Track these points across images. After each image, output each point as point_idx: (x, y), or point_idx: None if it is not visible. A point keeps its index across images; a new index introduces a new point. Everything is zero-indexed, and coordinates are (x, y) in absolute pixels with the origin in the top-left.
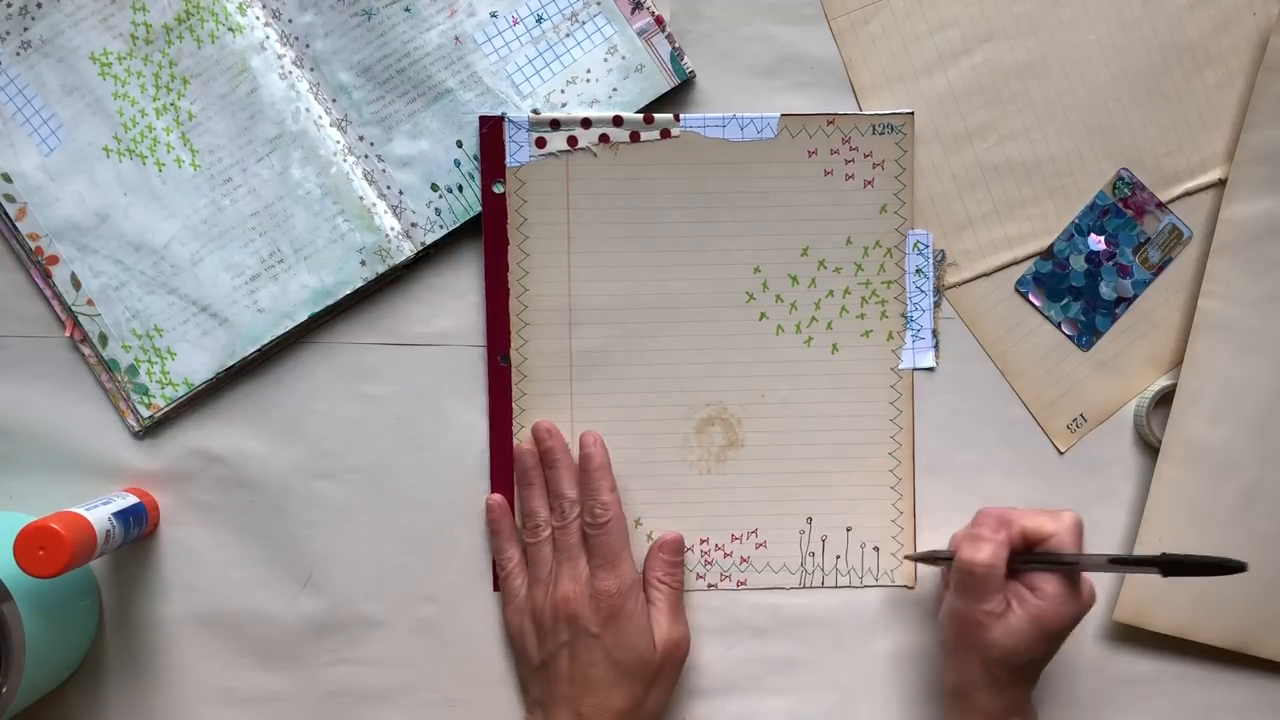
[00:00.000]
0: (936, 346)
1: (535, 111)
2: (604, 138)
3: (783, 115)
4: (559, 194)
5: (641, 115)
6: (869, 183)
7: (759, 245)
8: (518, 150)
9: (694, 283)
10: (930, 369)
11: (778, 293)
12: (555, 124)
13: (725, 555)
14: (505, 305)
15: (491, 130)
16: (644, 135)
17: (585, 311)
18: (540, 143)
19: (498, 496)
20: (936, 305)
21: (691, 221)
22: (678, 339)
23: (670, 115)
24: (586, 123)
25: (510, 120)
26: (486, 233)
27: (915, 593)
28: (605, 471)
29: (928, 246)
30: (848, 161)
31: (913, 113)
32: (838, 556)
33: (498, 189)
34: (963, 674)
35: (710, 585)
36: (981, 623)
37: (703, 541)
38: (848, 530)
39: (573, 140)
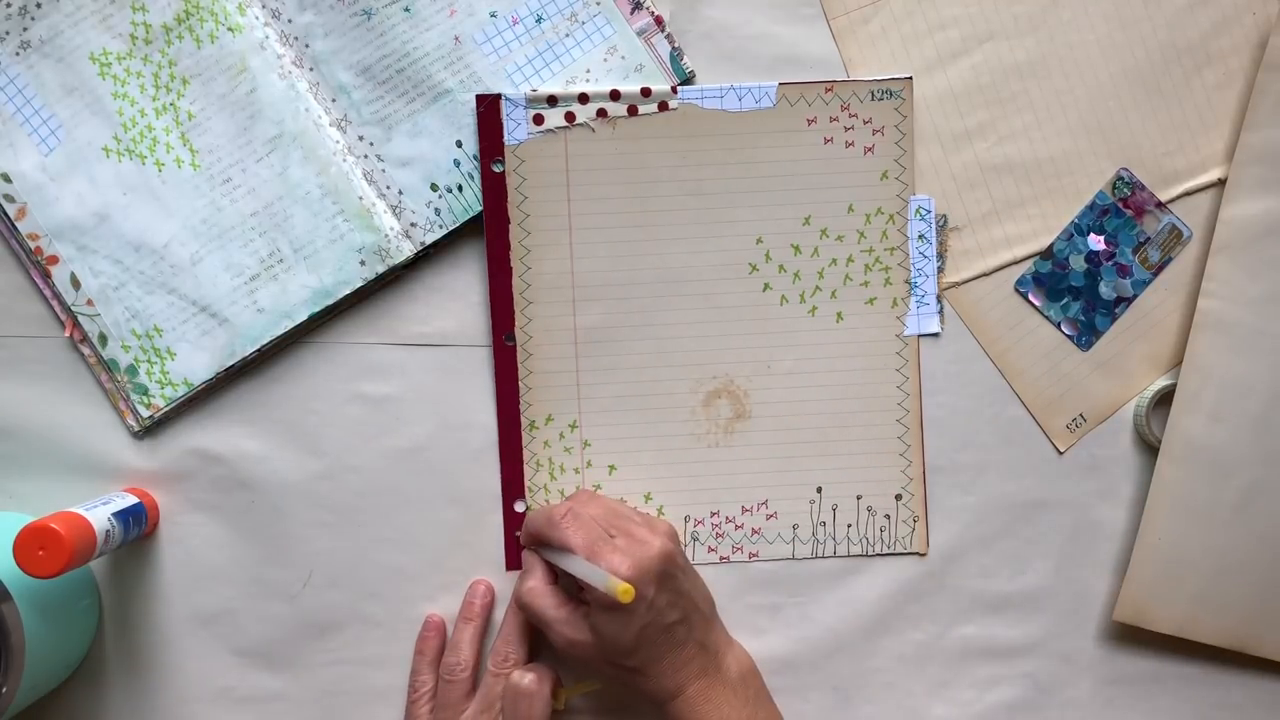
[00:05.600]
0: (941, 311)
1: (533, 89)
2: (601, 112)
3: (781, 84)
4: (558, 171)
5: (639, 88)
6: (869, 149)
7: (760, 215)
8: (515, 128)
9: (696, 255)
10: (936, 334)
11: (780, 263)
12: (552, 100)
13: (736, 528)
14: (508, 284)
15: (489, 109)
16: (642, 109)
17: (588, 288)
18: (538, 120)
19: (438, 618)
20: (940, 270)
21: (692, 194)
22: (682, 312)
23: (668, 87)
24: (584, 98)
25: (507, 98)
26: (487, 212)
27: (915, 586)
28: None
29: (930, 212)
30: (847, 129)
31: (911, 77)
32: (849, 525)
33: (496, 168)
34: (615, 681)
35: (722, 558)
36: (570, 638)
37: (713, 515)
38: (858, 498)
39: (570, 116)
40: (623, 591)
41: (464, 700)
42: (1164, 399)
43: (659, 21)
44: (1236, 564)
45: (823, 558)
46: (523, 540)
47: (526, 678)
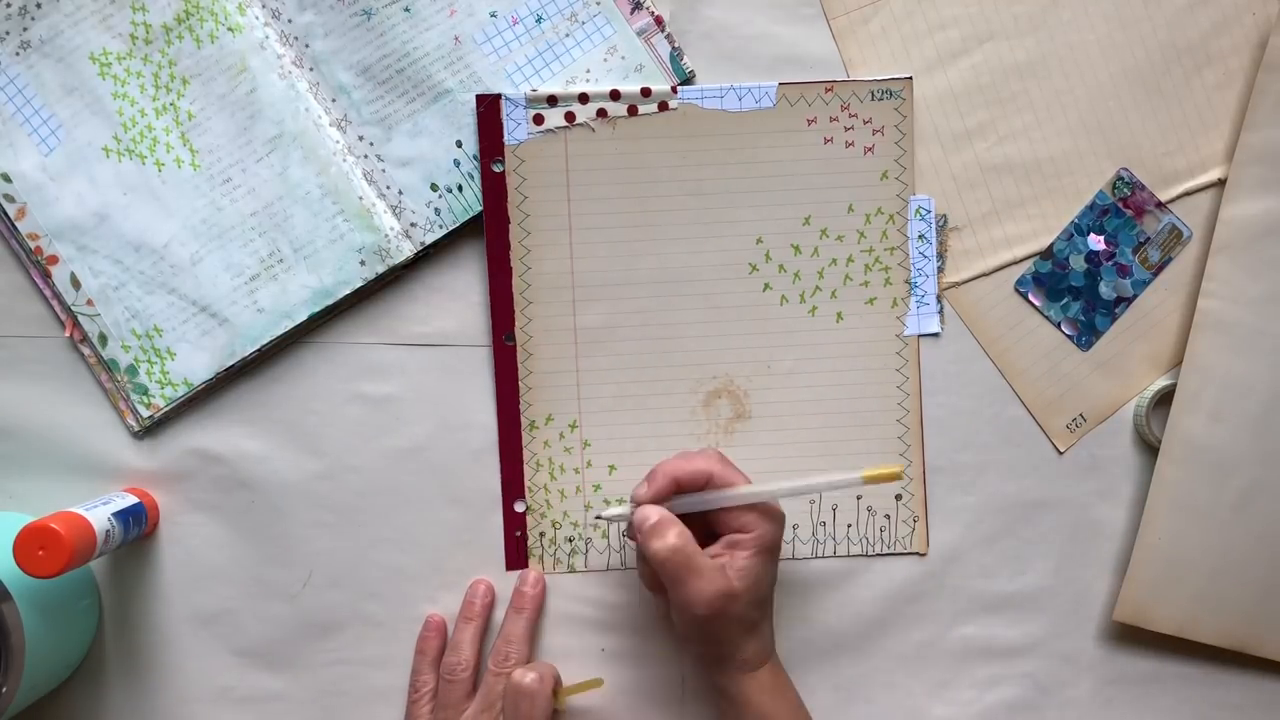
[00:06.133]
0: (941, 311)
1: (533, 89)
2: (601, 112)
3: (781, 84)
4: (558, 171)
5: (639, 88)
6: (869, 149)
7: (760, 215)
8: (515, 128)
9: (696, 255)
10: (936, 334)
11: (780, 263)
12: (552, 100)
13: None
14: (508, 284)
15: (489, 109)
16: (642, 109)
17: (588, 288)
18: (538, 119)
19: (439, 618)
20: (940, 270)
21: (692, 194)
22: (682, 312)
23: (668, 87)
24: (584, 98)
25: (507, 98)
26: (487, 212)
27: (915, 586)
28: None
29: (930, 212)
30: (847, 129)
31: (911, 77)
32: (849, 525)
33: (497, 168)
34: (721, 646)
35: None
36: (725, 589)
37: None
38: (858, 498)
39: (570, 116)
40: (895, 471)
41: (465, 700)
42: (1164, 399)
43: (659, 21)
44: (1236, 564)
45: (823, 558)
46: (645, 496)
47: (528, 676)
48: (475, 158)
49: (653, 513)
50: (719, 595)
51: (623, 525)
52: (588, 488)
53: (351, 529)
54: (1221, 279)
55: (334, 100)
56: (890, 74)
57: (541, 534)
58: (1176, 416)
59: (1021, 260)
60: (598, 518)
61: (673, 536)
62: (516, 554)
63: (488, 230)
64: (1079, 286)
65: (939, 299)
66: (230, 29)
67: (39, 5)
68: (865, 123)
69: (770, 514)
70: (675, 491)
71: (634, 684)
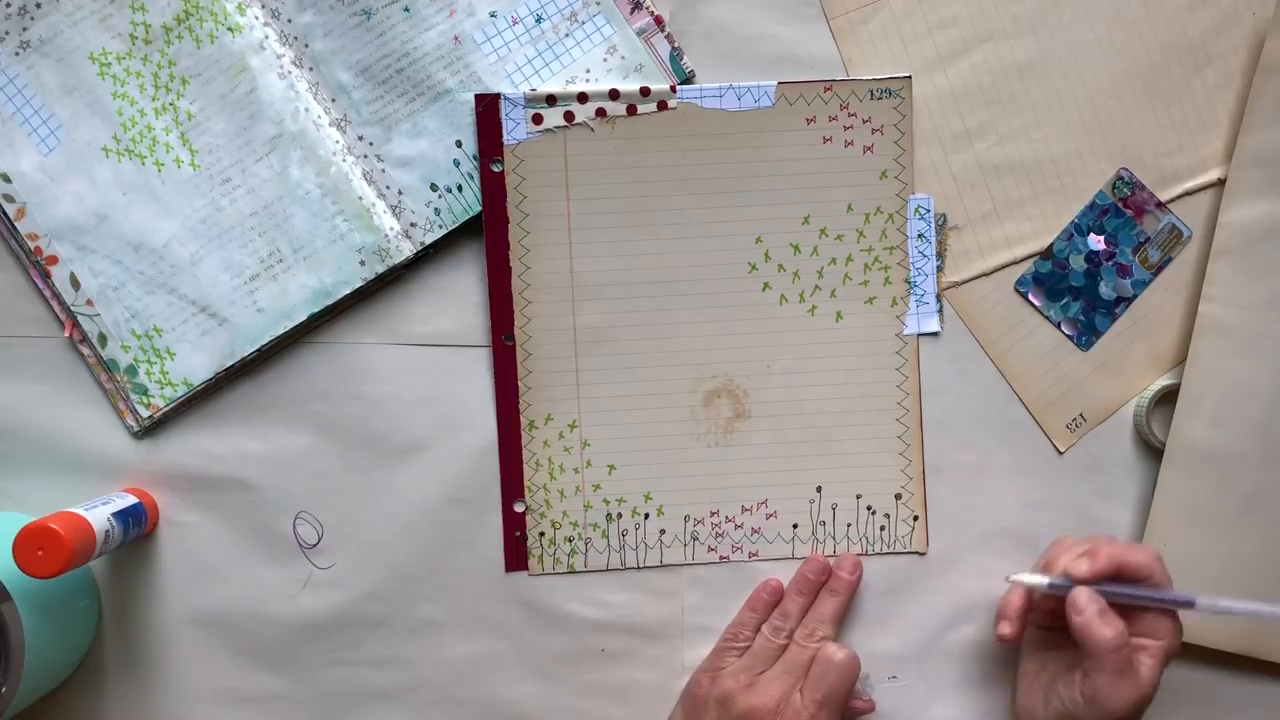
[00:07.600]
0: (940, 311)
1: (532, 89)
2: (600, 112)
3: (780, 83)
4: (558, 170)
5: (638, 87)
6: (868, 148)
7: (760, 215)
8: (514, 128)
9: (696, 255)
10: (935, 333)
11: (780, 262)
12: (551, 100)
13: (736, 527)
14: (507, 284)
15: (488, 108)
16: (641, 108)
17: (588, 288)
18: (537, 119)
19: (777, 581)
20: (940, 270)
21: (691, 193)
22: (681, 312)
23: (667, 86)
24: (583, 97)
25: (506, 98)
26: (486, 212)
27: (915, 586)
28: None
29: (929, 211)
30: (846, 128)
31: (910, 76)
32: (848, 524)
33: (496, 167)
34: None
35: (722, 557)
36: (1143, 697)
37: (713, 514)
38: (858, 498)
39: (569, 115)
40: None
41: (774, 660)
42: (1164, 399)
43: (659, 21)
44: (1241, 568)
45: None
46: (1086, 575)
47: (843, 651)
48: (475, 158)
49: (1098, 597)
50: (1140, 701)
51: (1041, 589)
52: (587, 488)
53: (352, 529)
54: (1222, 283)
55: (334, 100)
56: (890, 74)
57: (541, 534)
58: (1179, 421)
59: (1021, 260)
60: (1008, 580)
61: (1122, 626)
62: (516, 554)
63: (487, 230)
64: (1079, 286)
65: (939, 299)
66: (230, 29)
67: (39, 5)
68: (865, 122)
69: (1180, 626)
70: (1113, 578)
71: (634, 684)
